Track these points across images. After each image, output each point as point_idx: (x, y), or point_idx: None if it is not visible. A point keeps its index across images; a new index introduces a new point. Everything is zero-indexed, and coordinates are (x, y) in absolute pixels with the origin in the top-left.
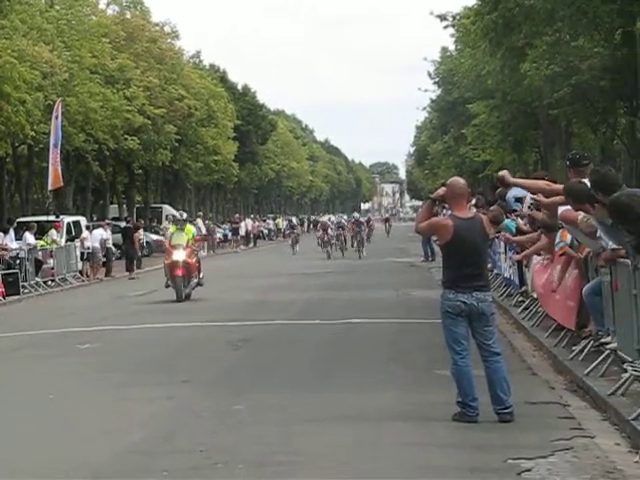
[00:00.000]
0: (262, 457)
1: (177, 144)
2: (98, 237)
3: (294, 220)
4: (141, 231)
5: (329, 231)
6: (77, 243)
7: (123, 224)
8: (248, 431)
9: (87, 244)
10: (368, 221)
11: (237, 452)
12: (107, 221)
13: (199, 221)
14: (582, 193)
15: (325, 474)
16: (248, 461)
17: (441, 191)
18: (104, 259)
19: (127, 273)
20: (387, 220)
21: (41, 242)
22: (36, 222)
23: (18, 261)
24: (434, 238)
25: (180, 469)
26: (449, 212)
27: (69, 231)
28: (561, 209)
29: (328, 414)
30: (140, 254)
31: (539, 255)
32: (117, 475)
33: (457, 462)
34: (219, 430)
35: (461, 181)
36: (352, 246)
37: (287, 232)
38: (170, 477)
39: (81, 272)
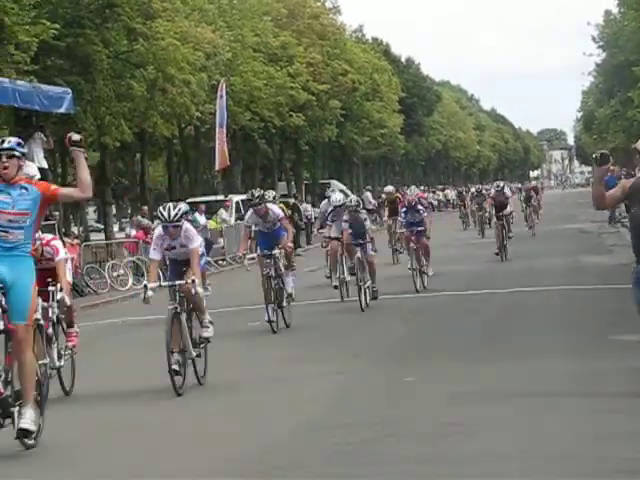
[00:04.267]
0: (433, 429)
1: (342, 119)
2: None
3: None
4: (305, 206)
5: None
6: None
7: (292, 201)
8: (419, 403)
9: None
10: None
11: (408, 424)
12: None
13: (368, 194)
14: None
15: (497, 445)
16: (418, 434)
17: None
18: None
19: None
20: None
21: (211, 222)
22: (205, 202)
23: None
24: None
25: (350, 442)
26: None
27: (238, 210)
28: None
29: (499, 384)
30: (307, 230)
31: None
32: (289, 449)
33: (631, 427)
34: (390, 403)
35: None
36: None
37: (456, 203)
38: (340, 450)
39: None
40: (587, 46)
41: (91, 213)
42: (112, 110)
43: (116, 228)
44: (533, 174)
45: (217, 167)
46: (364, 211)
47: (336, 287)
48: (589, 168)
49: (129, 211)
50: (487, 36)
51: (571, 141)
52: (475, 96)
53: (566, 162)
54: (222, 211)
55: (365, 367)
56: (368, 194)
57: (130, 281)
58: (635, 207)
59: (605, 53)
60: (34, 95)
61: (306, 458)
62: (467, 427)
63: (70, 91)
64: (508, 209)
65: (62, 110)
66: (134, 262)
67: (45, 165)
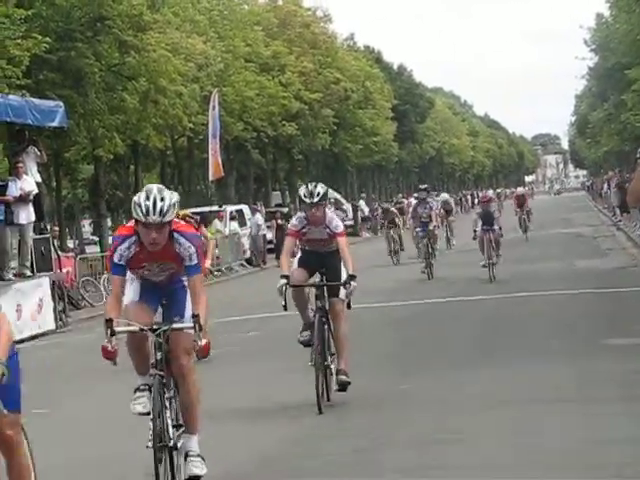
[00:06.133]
0: (430, 437)
1: (335, 127)
2: (255, 223)
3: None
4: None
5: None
6: (243, 231)
7: (286, 210)
8: (415, 411)
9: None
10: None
11: (404, 433)
12: (257, 206)
13: (362, 203)
14: None
15: (494, 452)
16: (415, 442)
17: None
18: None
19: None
20: (498, 197)
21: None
22: (199, 213)
23: None
24: None
25: (346, 451)
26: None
27: (232, 220)
28: None
29: (495, 390)
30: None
31: None
32: (284, 458)
33: (626, 432)
34: (385, 411)
35: None
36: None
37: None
38: (336, 460)
39: (249, 260)
40: (580, 50)
41: (86, 226)
42: (105, 123)
43: (111, 240)
44: (528, 179)
45: (211, 178)
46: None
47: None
48: (584, 172)
49: (124, 223)
50: (479, 41)
51: (565, 145)
52: (468, 102)
53: (561, 166)
54: (216, 222)
55: (360, 375)
56: (362, 202)
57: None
58: None
59: (597, 56)
60: (26, 109)
61: (301, 467)
62: (464, 435)
63: (62, 105)
64: (432, 224)
65: (55, 124)
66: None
67: (39, 179)
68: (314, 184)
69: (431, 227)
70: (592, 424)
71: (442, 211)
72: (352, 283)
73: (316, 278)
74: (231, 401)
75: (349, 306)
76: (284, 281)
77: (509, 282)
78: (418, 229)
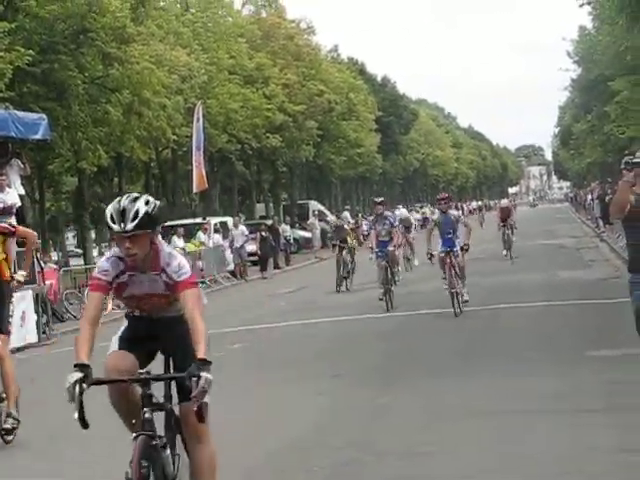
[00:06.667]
0: (413, 448)
1: (319, 139)
2: (241, 235)
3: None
4: (283, 227)
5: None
6: (226, 243)
7: (270, 222)
8: (398, 423)
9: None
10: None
11: (387, 444)
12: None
13: (346, 214)
14: None
15: (476, 463)
16: (398, 454)
17: None
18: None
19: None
20: (480, 209)
21: (189, 244)
22: (183, 225)
23: None
24: None
25: (330, 464)
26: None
27: (216, 232)
28: None
29: (478, 402)
30: (287, 251)
31: None
32: (271, 472)
33: (609, 442)
34: (368, 424)
35: None
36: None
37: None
38: (322, 473)
39: (233, 273)
40: (561, 61)
41: (70, 238)
42: (88, 135)
43: (95, 253)
44: (512, 190)
45: (195, 190)
46: None
47: None
48: (567, 183)
49: (108, 236)
50: (464, 54)
51: (549, 157)
52: (452, 113)
53: (544, 178)
54: (200, 234)
55: (344, 387)
56: (346, 213)
57: (110, 305)
58: None
59: (581, 68)
60: (10, 122)
61: None
62: (446, 446)
63: (45, 117)
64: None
65: (38, 136)
66: None
67: (23, 192)
68: (130, 197)
69: (391, 248)
70: (574, 434)
71: (402, 227)
72: (203, 374)
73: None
74: (213, 415)
75: (201, 418)
76: (78, 375)
77: (491, 293)
78: (376, 250)
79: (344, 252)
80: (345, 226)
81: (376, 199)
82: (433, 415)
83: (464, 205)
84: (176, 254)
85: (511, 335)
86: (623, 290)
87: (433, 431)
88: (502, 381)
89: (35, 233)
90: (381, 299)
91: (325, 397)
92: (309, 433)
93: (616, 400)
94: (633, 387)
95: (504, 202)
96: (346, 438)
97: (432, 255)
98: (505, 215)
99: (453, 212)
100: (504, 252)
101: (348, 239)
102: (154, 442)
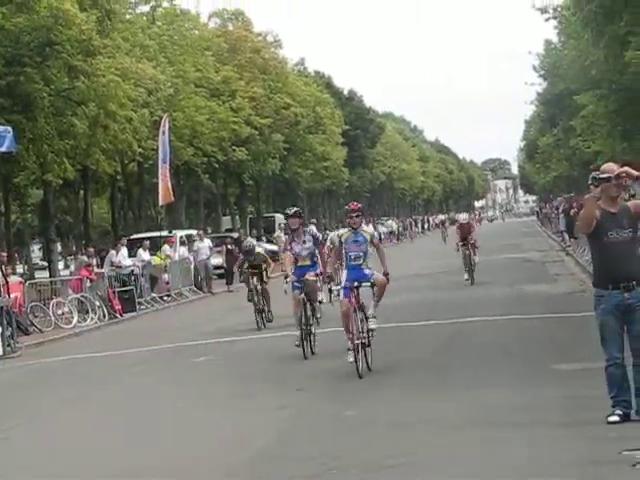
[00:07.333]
0: (378, 461)
1: (286, 153)
2: (206, 248)
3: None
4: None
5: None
6: (192, 256)
7: (236, 235)
8: (361, 436)
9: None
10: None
11: (352, 457)
12: (200, 231)
13: (312, 228)
14: None
15: (435, 476)
16: (361, 466)
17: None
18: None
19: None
20: (443, 224)
21: (155, 258)
22: (149, 238)
23: (133, 278)
24: None
25: (294, 477)
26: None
27: (182, 245)
28: None
29: (440, 415)
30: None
31: None
32: None
33: (570, 455)
34: (333, 436)
35: None
36: None
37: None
38: None
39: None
40: (527, 75)
41: (36, 251)
42: (54, 147)
43: (61, 265)
44: (478, 204)
45: (161, 203)
46: None
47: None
48: (533, 197)
49: (74, 248)
50: (430, 67)
51: (515, 170)
52: (418, 127)
53: (511, 191)
54: (166, 247)
55: (308, 401)
56: (312, 227)
57: (75, 319)
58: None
59: (547, 82)
60: None
61: None
62: (411, 458)
63: (10, 129)
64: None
65: (3, 149)
66: (79, 299)
67: None
68: None
69: (311, 276)
70: (533, 447)
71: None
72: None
73: None
74: (182, 425)
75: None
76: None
77: (456, 307)
78: (293, 278)
79: (255, 279)
80: (258, 250)
81: (288, 210)
82: (399, 429)
83: (430, 218)
84: None
85: (476, 349)
86: (588, 304)
87: (402, 445)
88: (466, 395)
89: None
90: (297, 345)
91: (290, 409)
92: (273, 446)
93: (577, 414)
94: (594, 402)
95: (462, 217)
96: (310, 451)
97: (330, 292)
98: (465, 233)
99: (366, 229)
100: (465, 276)
101: (263, 265)
102: None
